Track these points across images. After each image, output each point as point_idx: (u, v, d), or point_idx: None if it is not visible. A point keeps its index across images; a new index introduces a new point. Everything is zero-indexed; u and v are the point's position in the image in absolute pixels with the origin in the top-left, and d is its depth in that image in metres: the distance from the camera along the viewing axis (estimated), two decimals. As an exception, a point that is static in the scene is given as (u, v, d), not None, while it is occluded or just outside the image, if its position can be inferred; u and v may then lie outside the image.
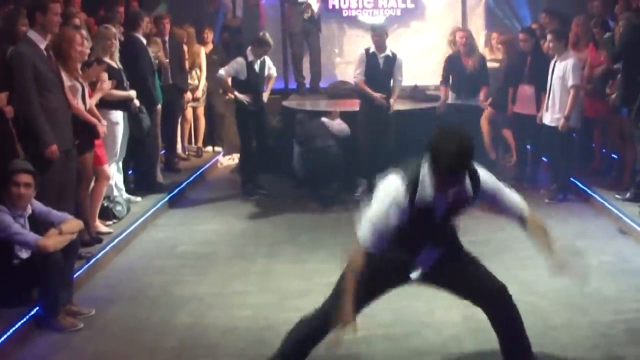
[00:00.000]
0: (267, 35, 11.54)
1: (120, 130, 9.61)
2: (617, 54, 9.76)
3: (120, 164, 10.09)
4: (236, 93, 11.49)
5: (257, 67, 11.40)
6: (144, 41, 10.80)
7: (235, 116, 11.87)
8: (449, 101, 12.20)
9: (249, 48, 11.50)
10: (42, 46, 7.43)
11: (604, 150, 11.71)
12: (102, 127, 8.50)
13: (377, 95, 11.10)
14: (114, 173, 9.79)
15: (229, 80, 11.57)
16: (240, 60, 11.45)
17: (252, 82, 11.40)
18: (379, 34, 11.18)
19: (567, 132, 10.43)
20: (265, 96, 11.66)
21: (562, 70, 10.31)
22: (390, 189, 5.01)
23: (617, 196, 9.99)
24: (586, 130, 11.33)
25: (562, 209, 10.33)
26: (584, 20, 11.50)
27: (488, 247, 8.72)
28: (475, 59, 11.94)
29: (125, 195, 10.19)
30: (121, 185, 10.14)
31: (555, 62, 10.39)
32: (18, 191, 6.62)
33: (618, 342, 6.22)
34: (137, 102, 9.77)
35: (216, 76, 12.12)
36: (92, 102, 8.69)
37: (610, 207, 9.81)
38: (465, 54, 11.98)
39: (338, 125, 11.42)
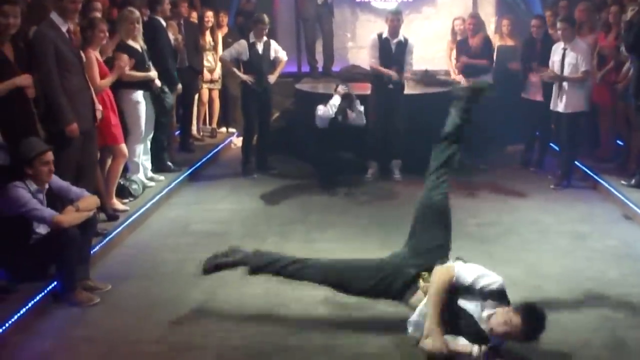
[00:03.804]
0: (264, 15, 11.67)
1: (142, 109, 9.75)
2: (631, 44, 9.76)
3: (149, 142, 10.29)
4: (239, 73, 11.66)
5: (259, 48, 11.54)
6: (164, 24, 10.90)
7: (241, 96, 12.04)
8: (462, 85, 12.34)
9: (252, 30, 11.69)
10: (64, 29, 7.51)
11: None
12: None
13: (391, 72, 11.14)
14: (140, 153, 9.98)
15: (238, 62, 11.79)
16: (242, 42, 11.63)
17: (254, 62, 11.54)
18: (397, 19, 11.20)
19: (575, 118, 10.54)
20: (272, 78, 11.76)
21: (575, 58, 10.38)
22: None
23: (622, 182, 10.09)
24: (593, 117, 11.43)
25: (569, 194, 10.43)
26: (587, 6, 11.60)
27: (494, 230, 8.85)
28: (478, 39, 12.06)
29: (150, 174, 10.40)
30: (147, 164, 10.34)
31: (565, 49, 10.45)
32: (49, 168, 6.81)
33: (621, 325, 6.27)
34: (158, 83, 9.94)
35: (219, 58, 12.34)
36: (105, 82, 8.79)
37: (616, 192, 9.90)
38: (471, 36, 12.14)
39: (356, 114, 11.10)
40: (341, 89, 10.95)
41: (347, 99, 10.84)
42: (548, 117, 11.15)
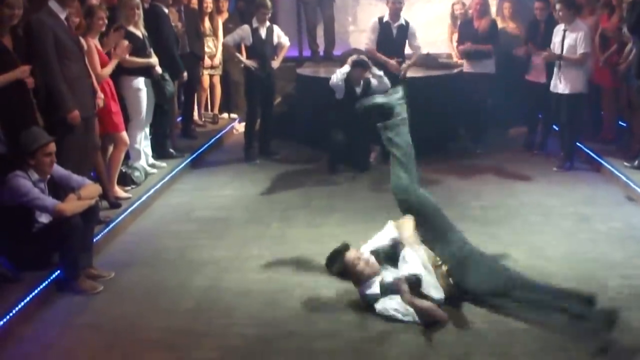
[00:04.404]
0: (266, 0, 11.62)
1: (143, 96, 9.75)
2: (633, 25, 9.74)
3: (147, 129, 10.26)
4: (242, 58, 11.64)
5: (262, 33, 11.49)
6: (167, 11, 10.83)
7: (244, 82, 12.02)
8: (463, 69, 12.30)
9: (254, 15, 11.64)
10: (63, 16, 7.48)
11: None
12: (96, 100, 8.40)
13: (391, 60, 11.15)
14: (141, 139, 9.97)
15: (240, 47, 11.78)
16: (245, 27, 11.59)
17: (257, 47, 11.51)
18: (398, 2, 11.15)
19: (574, 100, 10.50)
20: (275, 64, 11.72)
21: (574, 40, 10.35)
22: None
23: (625, 164, 10.07)
24: (595, 98, 11.40)
25: (572, 177, 10.41)
26: None
27: (498, 213, 8.85)
28: (485, 22, 12.00)
29: (152, 160, 10.40)
30: (148, 150, 10.33)
31: (565, 31, 10.42)
32: (51, 159, 6.82)
33: (625, 306, 6.23)
34: (159, 69, 9.90)
35: (222, 43, 12.33)
36: (106, 70, 8.78)
37: (619, 174, 9.87)
38: (477, 18, 12.06)
39: (377, 80, 10.83)
40: (350, 59, 10.84)
41: (360, 66, 10.70)
42: (549, 98, 11.14)
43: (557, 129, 11.56)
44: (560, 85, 10.51)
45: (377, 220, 8.63)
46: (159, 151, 10.90)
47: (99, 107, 8.37)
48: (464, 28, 12.44)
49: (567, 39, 10.37)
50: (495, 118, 12.72)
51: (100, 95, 8.44)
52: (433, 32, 14.66)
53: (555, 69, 10.57)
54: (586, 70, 10.56)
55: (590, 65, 10.72)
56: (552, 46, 10.63)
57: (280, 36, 11.73)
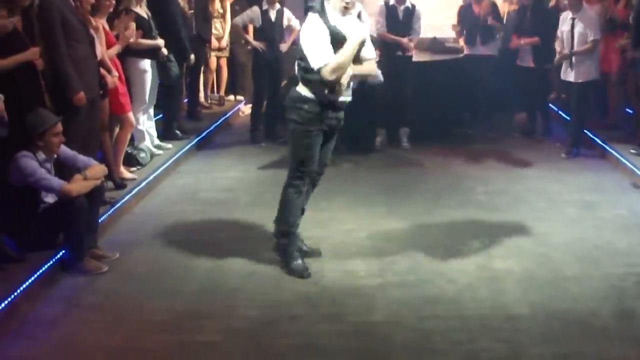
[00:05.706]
0: None
1: (148, 78, 9.72)
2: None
3: (152, 111, 10.24)
4: (250, 40, 11.61)
5: (272, 15, 11.48)
6: (173, -8, 10.83)
7: (252, 63, 12.00)
8: (466, 52, 12.28)
9: None
10: (70, -3, 7.52)
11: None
12: (110, 79, 8.42)
13: (403, 39, 11.14)
14: (145, 120, 9.96)
15: (250, 28, 11.72)
16: (255, 8, 11.57)
17: (266, 30, 11.49)
18: None
19: (586, 87, 10.46)
20: (284, 47, 11.71)
21: (584, 28, 10.32)
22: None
23: (632, 151, 10.05)
24: (601, 85, 11.36)
25: (577, 163, 10.40)
26: None
27: (503, 199, 8.83)
28: (485, 5, 11.96)
29: (157, 141, 10.39)
30: (153, 132, 10.32)
31: (574, 19, 10.38)
32: (59, 139, 6.81)
33: (629, 294, 6.25)
34: (165, 51, 9.87)
35: (232, 23, 12.29)
36: (112, 51, 8.76)
37: (625, 161, 9.84)
38: (475, 2, 12.03)
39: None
40: None
41: None
42: (545, 83, 11.16)
43: (561, 114, 11.57)
44: (571, 74, 10.45)
45: (380, 203, 8.70)
46: (165, 132, 10.89)
47: (110, 86, 8.38)
48: (463, 13, 12.44)
49: (577, 27, 10.34)
50: (501, 103, 12.71)
51: (115, 73, 8.51)
52: (440, 17, 14.61)
53: (570, 57, 10.50)
54: (596, 56, 10.51)
55: (599, 50, 10.66)
56: (559, 35, 10.61)
57: (290, 19, 11.70)
